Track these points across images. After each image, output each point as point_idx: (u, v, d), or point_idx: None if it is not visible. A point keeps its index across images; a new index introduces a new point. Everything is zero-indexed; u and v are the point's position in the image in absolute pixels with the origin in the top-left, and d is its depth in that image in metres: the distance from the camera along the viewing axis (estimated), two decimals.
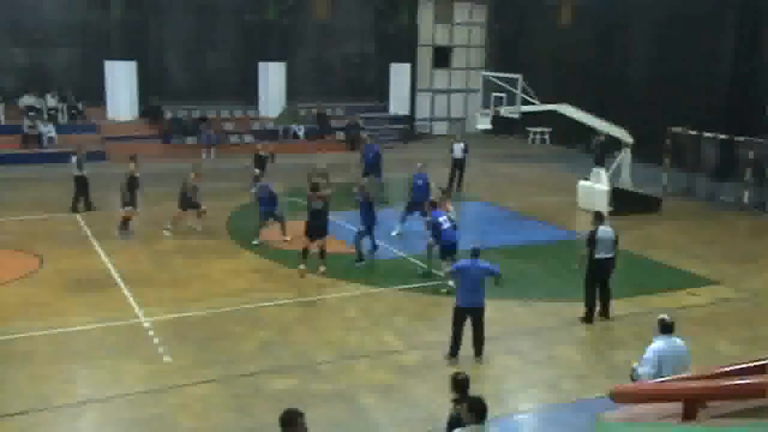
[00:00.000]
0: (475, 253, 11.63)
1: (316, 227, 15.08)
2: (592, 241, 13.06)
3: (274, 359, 11.54)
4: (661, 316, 8.71)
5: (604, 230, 13.18)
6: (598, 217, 13.40)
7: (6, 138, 26.98)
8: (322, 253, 15.05)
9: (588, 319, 13.20)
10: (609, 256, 13.11)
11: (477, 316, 11.49)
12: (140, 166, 18.69)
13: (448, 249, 14.46)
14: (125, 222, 17.94)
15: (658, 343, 8.39)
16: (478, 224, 19.45)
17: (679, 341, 8.52)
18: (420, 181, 18.47)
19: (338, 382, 10.89)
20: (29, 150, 26.74)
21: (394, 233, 18.04)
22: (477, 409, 6.66)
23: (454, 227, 14.66)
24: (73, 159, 20.11)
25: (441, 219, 14.50)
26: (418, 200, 17.55)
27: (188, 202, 18.33)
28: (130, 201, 18.05)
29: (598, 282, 13.19)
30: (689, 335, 12.70)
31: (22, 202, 21.05)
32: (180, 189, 18.38)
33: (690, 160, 24.02)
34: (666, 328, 8.51)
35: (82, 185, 20.07)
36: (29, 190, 22.64)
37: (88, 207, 20.18)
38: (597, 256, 13.02)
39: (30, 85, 28.78)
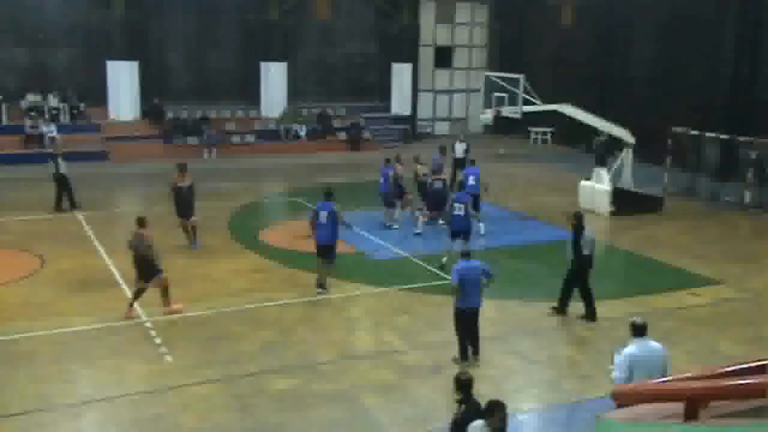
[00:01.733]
0: (467, 254, 11.66)
1: (144, 270, 13.02)
2: (578, 241, 13.13)
3: (275, 359, 11.54)
4: (633, 318, 8.62)
5: (588, 230, 13.36)
6: (580, 219, 13.44)
7: (8, 138, 27.04)
8: (164, 291, 13.17)
9: (562, 310, 13.34)
10: (588, 253, 13.17)
11: (476, 315, 11.54)
12: (187, 177, 17.09)
13: (456, 232, 15.48)
14: (194, 232, 17.16)
15: (631, 348, 8.29)
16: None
17: (654, 344, 8.42)
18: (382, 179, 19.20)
19: (340, 382, 10.89)
20: (31, 150, 26.77)
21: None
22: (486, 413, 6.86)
23: (467, 217, 15.53)
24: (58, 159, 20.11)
25: (456, 204, 15.40)
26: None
27: (401, 190, 18.92)
28: (185, 212, 17.00)
29: (580, 280, 13.26)
30: (690, 335, 12.78)
31: (23, 202, 21.06)
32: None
33: (691, 160, 24.01)
34: (638, 331, 8.38)
35: (64, 184, 20.08)
36: (31, 190, 22.64)
37: (73, 205, 20.17)
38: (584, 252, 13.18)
39: (32, 85, 28.83)
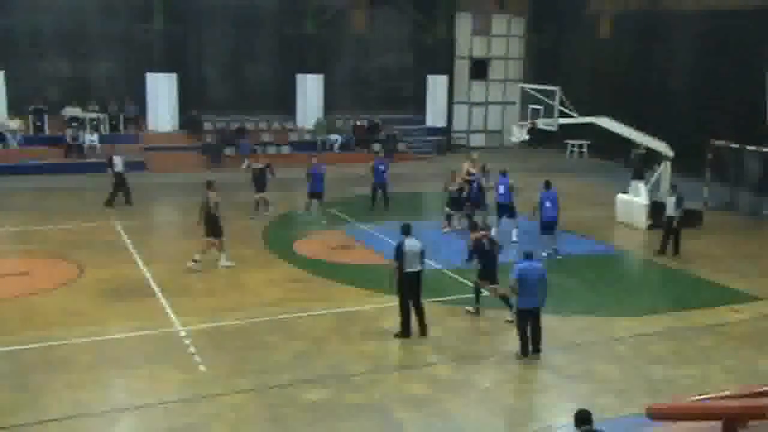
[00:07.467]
0: (528, 255, 12.10)
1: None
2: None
3: (308, 370, 11.55)
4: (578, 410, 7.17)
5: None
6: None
7: (50, 148, 27.60)
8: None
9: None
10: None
11: (536, 315, 12.03)
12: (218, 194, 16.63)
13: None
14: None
15: None
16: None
17: None
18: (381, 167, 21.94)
19: (372, 393, 10.86)
20: (72, 160, 27.25)
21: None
22: None
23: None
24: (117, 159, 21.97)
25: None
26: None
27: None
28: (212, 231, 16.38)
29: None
30: (730, 352, 12.53)
31: (63, 211, 21.41)
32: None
33: (732, 174, 23.62)
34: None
35: (121, 182, 21.97)
36: (71, 199, 23.04)
37: (129, 202, 22.12)
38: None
39: (73, 96, 29.38)
